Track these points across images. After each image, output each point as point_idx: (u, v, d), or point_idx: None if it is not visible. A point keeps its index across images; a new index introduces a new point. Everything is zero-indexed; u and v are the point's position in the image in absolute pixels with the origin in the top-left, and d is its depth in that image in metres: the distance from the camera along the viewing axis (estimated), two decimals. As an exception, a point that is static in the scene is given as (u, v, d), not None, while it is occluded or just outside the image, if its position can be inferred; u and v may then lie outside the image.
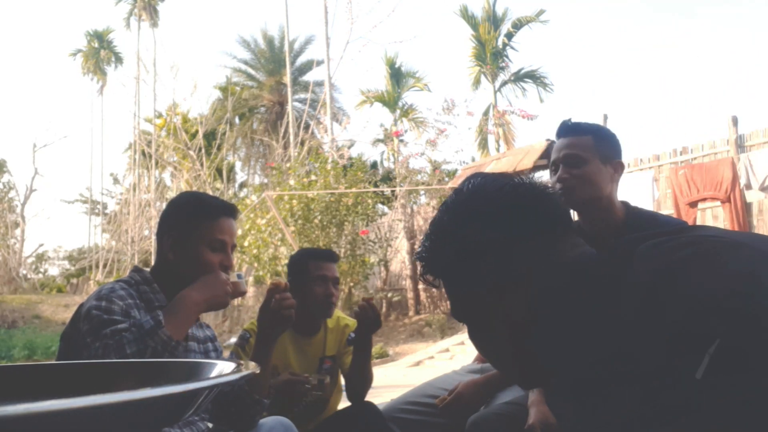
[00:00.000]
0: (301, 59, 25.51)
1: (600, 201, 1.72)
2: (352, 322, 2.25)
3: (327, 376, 2.13)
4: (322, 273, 2.14)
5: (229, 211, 1.60)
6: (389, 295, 13.03)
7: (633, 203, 1.88)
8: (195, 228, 1.55)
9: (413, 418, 2.04)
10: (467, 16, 20.15)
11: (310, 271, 2.15)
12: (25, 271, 27.01)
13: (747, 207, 8.01)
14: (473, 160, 15.74)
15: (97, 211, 31.24)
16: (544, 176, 9.69)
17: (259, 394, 1.63)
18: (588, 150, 1.71)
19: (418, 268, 0.90)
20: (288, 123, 18.14)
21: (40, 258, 31.60)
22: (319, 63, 21.38)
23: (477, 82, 20.33)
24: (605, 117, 9.69)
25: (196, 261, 1.53)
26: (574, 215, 1.83)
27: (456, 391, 1.98)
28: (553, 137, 1.83)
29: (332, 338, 2.23)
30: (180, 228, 1.57)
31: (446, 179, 13.35)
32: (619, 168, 1.76)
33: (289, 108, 18.69)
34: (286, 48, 19.80)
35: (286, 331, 2.15)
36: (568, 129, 1.78)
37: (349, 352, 2.18)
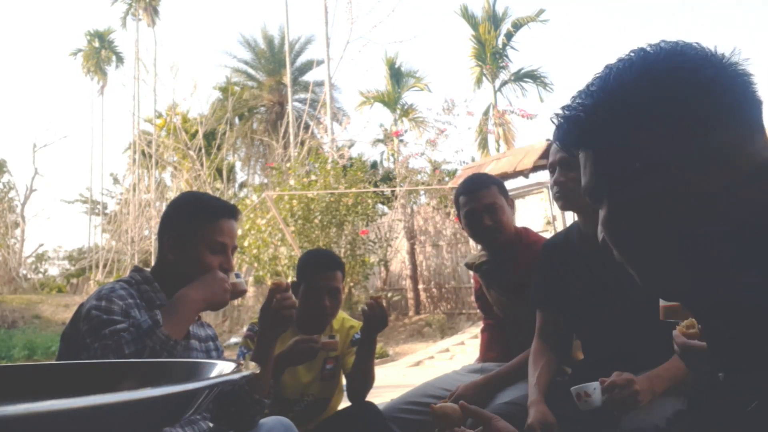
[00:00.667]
0: (301, 59, 25.52)
1: None
2: (357, 324, 2.24)
3: (336, 335, 2.09)
4: (317, 283, 2.10)
5: (230, 212, 1.60)
6: (389, 295, 13.02)
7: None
8: (195, 229, 1.55)
9: (414, 418, 2.04)
10: (467, 15, 20.15)
11: (308, 278, 2.13)
12: (25, 271, 27.00)
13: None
14: (473, 160, 15.74)
15: (97, 211, 31.24)
16: (543, 176, 9.69)
17: (260, 394, 1.63)
18: None
19: (553, 136, 0.76)
20: (288, 123, 18.13)
21: (40, 258, 31.59)
22: (319, 63, 21.40)
23: (479, 82, 20.34)
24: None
25: (196, 262, 1.53)
26: (573, 216, 1.83)
27: (456, 393, 1.98)
28: (553, 137, 1.82)
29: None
30: (180, 229, 1.57)
31: (446, 179, 13.35)
32: None
33: (289, 108, 18.69)
34: (286, 48, 19.81)
35: (289, 330, 2.16)
36: None
37: (351, 352, 2.17)
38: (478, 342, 2.48)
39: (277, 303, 1.62)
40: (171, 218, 1.61)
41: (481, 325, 2.42)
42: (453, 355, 9.38)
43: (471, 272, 2.34)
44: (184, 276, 1.53)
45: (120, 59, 30.14)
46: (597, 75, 0.73)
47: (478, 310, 2.48)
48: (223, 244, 1.56)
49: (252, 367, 0.60)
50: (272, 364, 1.73)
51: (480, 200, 2.09)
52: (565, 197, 1.74)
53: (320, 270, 2.13)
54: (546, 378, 1.75)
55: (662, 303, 1.23)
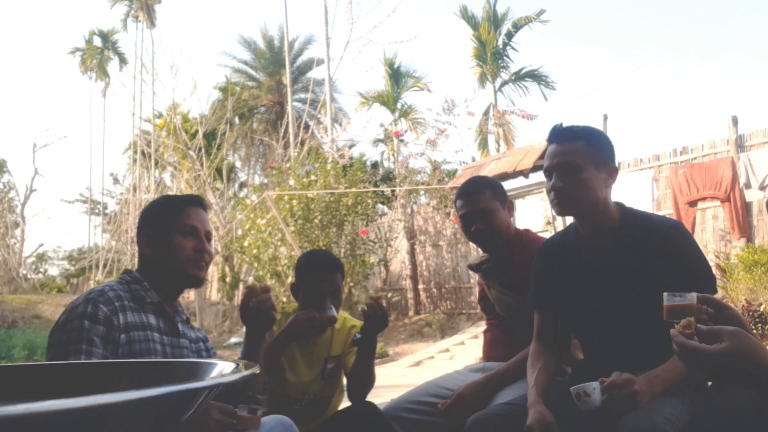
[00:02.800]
0: (302, 59, 25.48)
1: (595, 206, 1.70)
2: (358, 324, 2.24)
3: (333, 308, 2.06)
4: (320, 285, 2.09)
5: (196, 201, 1.71)
6: (389, 295, 13.02)
7: (633, 203, 1.87)
8: (166, 220, 1.65)
9: (416, 418, 2.04)
10: (467, 16, 20.14)
11: (308, 281, 2.12)
12: (25, 271, 26.98)
13: (747, 206, 8.01)
14: (473, 160, 15.73)
15: (97, 211, 31.23)
16: (543, 176, 9.66)
17: (254, 390, 1.65)
18: (581, 156, 1.68)
19: None
20: (288, 123, 18.12)
21: (40, 258, 31.57)
22: (319, 63, 21.36)
23: (483, 81, 20.31)
24: (605, 117, 9.69)
25: (169, 247, 1.62)
26: (570, 218, 1.83)
27: (457, 393, 1.99)
28: (553, 137, 1.82)
29: (338, 339, 2.23)
30: (152, 224, 1.68)
31: (446, 179, 13.34)
32: (612, 173, 1.73)
33: (288, 108, 18.68)
34: (285, 48, 19.78)
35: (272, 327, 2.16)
36: (559, 134, 1.75)
37: (352, 352, 2.17)
38: (478, 342, 2.50)
39: (256, 305, 1.70)
40: (143, 218, 1.72)
41: (480, 325, 2.44)
42: (453, 355, 9.37)
43: (474, 274, 2.35)
44: (162, 266, 1.62)
45: (123, 60, 30.10)
46: None
47: (478, 310, 2.49)
48: (194, 227, 1.65)
49: (252, 367, 0.61)
50: (263, 360, 1.77)
51: (472, 205, 2.12)
52: (561, 203, 1.72)
53: (320, 272, 2.12)
54: (544, 379, 1.75)
55: (666, 303, 1.23)
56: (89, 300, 1.50)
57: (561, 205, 1.73)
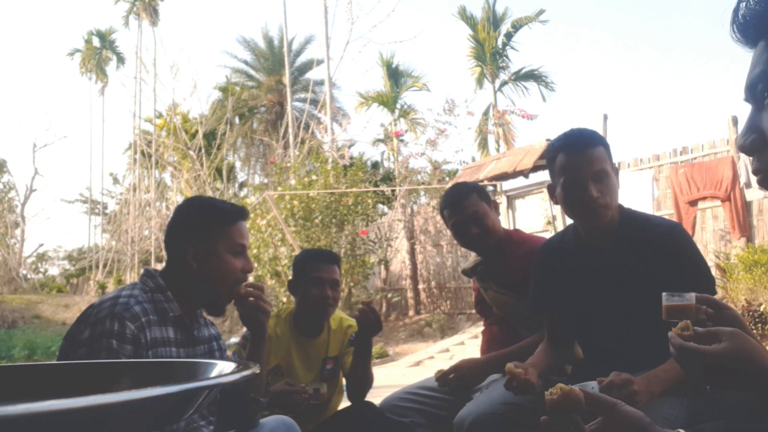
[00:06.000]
0: (301, 59, 25.49)
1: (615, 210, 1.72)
2: (354, 323, 2.26)
3: (324, 385, 2.12)
4: (319, 274, 2.14)
5: (245, 214, 1.64)
6: (389, 295, 13.01)
7: (633, 203, 1.87)
8: (217, 235, 1.56)
9: (410, 406, 2.06)
10: (466, 17, 20.11)
11: (308, 272, 2.15)
12: (25, 271, 27.01)
13: (747, 206, 8.01)
14: (473, 160, 15.73)
15: (97, 211, 31.24)
16: (543, 176, 9.68)
17: (257, 393, 1.64)
18: (607, 162, 1.67)
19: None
20: (288, 123, 18.12)
21: (40, 258, 31.59)
22: (319, 63, 21.36)
23: (480, 82, 20.30)
24: (605, 117, 9.68)
25: (221, 268, 1.55)
26: (569, 219, 1.83)
27: (455, 364, 2.02)
28: (553, 137, 1.81)
29: (335, 339, 2.24)
30: (202, 236, 1.56)
31: (446, 179, 13.34)
32: (617, 173, 1.73)
33: (288, 108, 18.68)
34: (285, 48, 19.77)
35: (289, 329, 2.17)
36: (585, 139, 1.67)
37: (350, 352, 2.19)
38: (478, 342, 2.50)
39: (253, 300, 1.64)
40: (188, 225, 1.59)
41: (480, 325, 2.46)
42: (453, 355, 9.36)
43: (468, 278, 2.38)
44: (206, 283, 1.54)
45: (121, 59, 30.08)
46: None
47: (478, 310, 2.50)
48: (243, 246, 1.60)
49: (252, 367, 0.61)
50: (267, 361, 1.76)
51: (463, 211, 2.12)
52: (603, 215, 1.65)
53: (321, 262, 2.18)
54: (540, 358, 1.78)
55: (665, 303, 1.22)
56: (115, 315, 1.40)
57: (602, 217, 1.66)
